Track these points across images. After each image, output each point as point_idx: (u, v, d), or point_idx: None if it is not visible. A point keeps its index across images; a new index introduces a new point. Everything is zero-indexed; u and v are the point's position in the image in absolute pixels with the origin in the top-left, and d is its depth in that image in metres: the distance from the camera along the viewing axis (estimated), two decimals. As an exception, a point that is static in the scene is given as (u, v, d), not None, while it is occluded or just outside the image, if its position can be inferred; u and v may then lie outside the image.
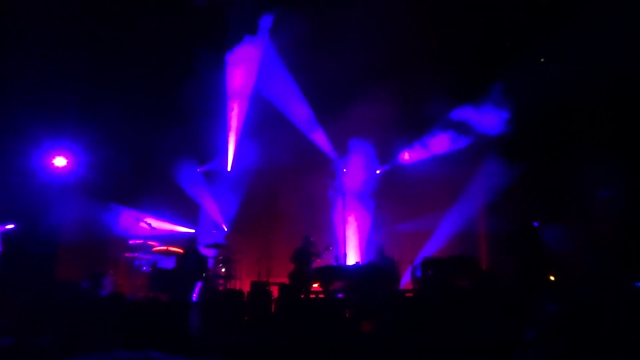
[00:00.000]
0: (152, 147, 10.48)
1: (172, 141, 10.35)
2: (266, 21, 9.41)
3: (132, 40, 8.88)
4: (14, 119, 8.70)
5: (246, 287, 9.52)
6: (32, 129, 8.92)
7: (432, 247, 9.81)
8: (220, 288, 9.33)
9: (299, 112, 10.55)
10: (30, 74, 8.56)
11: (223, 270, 9.43)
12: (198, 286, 9.05)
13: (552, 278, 8.14)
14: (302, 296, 8.92)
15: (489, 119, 10.06)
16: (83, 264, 9.60)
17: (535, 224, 7.90)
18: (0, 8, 8.02)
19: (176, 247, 9.60)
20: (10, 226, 7.69)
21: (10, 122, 8.62)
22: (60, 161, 9.47)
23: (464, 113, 10.26)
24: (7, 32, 8.26)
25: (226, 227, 10.52)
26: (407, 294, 8.84)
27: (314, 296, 8.83)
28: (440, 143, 10.75)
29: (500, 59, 9.60)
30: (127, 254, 9.56)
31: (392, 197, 10.88)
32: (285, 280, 9.35)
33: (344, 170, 10.84)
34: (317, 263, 9.60)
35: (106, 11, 8.32)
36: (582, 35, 7.93)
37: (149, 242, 9.56)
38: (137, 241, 9.57)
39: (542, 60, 9.53)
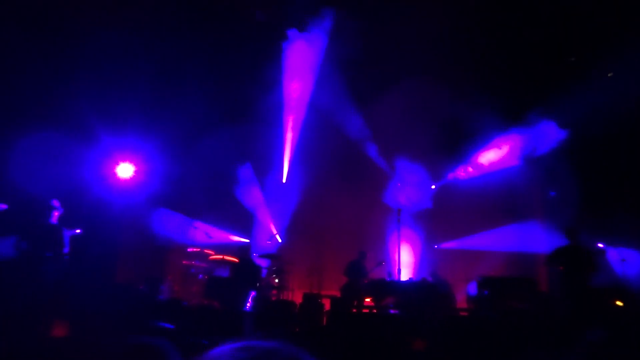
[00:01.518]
0: (211, 157, 10.76)
1: (231, 151, 10.61)
2: (323, 29, 9.46)
3: (195, 48, 9.17)
4: (80, 125, 9.13)
5: (298, 299, 9.58)
6: (97, 135, 9.35)
7: (488, 266, 9.53)
8: (273, 298, 9.43)
9: (354, 124, 10.56)
10: (97, 79, 8.96)
11: (276, 280, 9.53)
12: (251, 295, 9.19)
13: (619, 303, 7.74)
14: (354, 310, 8.89)
15: (549, 135, 9.73)
16: (142, 269, 9.94)
17: (600, 245, 7.56)
18: (69, 14, 8.44)
19: (231, 256, 9.80)
20: (77, 231, 8.07)
21: (76, 126, 9.04)
22: (125, 169, 9.87)
23: (524, 129, 9.98)
24: (76, 37, 8.68)
25: (280, 238, 10.64)
26: (462, 313, 8.64)
27: (366, 310, 8.77)
28: (497, 159, 10.49)
29: (564, 74, 9.29)
30: (184, 261, 9.84)
31: (447, 214, 10.69)
32: (336, 293, 9.34)
33: (399, 185, 10.75)
34: (370, 277, 9.56)
35: (171, 19, 8.63)
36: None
37: (206, 251, 9.80)
38: (195, 249, 9.83)
39: (609, 75, 9.14)
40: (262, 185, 11.06)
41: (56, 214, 7.73)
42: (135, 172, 9.87)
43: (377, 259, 9.91)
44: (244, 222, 10.98)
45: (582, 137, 9.17)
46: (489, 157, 10.65)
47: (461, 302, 9.50)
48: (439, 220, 10.80)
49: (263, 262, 9.93)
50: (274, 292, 9.56)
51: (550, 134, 9.69)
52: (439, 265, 10.00)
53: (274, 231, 10.75)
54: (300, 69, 9.29)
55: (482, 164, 10.73)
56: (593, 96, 8.25)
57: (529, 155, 10.04)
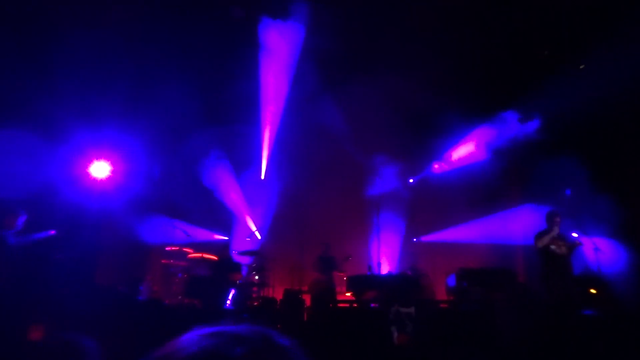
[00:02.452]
0: (187, 154, 10.66)
1: (208, 148, 10.54)
2: (300, 22, 9.38)
3: (172, 43, 9.04)
4: (57, 124, 8.94)
5: (279, 295, 9.58)
6: (70, 132, 9.16)
7: (467, 258, 9.66)
8: (254, 295, 9.40)
9: (332, 119, 10.54)
10: (71, 73, 8.78)
11: (256, 277, 9.50)
12: (231, 293, 9.15)
13: (592, 291, 7.94)
14: (331, 305, 8.93)
15: (523, 127, 9.88)
16: (120, 270, 9.82)
17: (575, 235, 7.70)
18: (45, 12, 8.25)
19: (210, 255, 9.73)
20: (51, 232, 7.89)
21: (53, 126, 8.85)
22: (100, 168, 9.71)
23: (498, 121, 10.10)
24: (49, 31, 8.49)
25: (260, 235, 10.61)
26: (442, 305, 8.74)
27: (347, 305, 8.82)
28: (473, 152, 10.61)
29: (537, 67, 9.42)
30: (163, 260, 9.74)
31: (425, 207, 10.80)
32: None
33: (378, 179, 10.81)
34: (350, 272, 9.61)
35: (148, 15, 8.49)
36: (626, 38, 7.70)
37: (185, 249, 9.71)
38: (173, 248, 9.74)
39: (581, 67, 9.30)
40: (240, 183, 11.00)
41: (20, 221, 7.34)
42: (112, 171, 9.72)
43: (345, 254, 9.97)
44: (223, 219, 10.91)
45: (555, 128, 9.31)
46: (461, 152, 10.78)
47: (442, 294, 9.62)
48: (418, 214, 10.91)
49: (243, 260, 9.89)
50: (254, 289, 9.54)
51: (518, 127, 9.84)
52: (419, 259, 10.09)
53: (254, 228, 10.71)
54: (277, 63, 9.21)
55: (455, 159, 10.84)
56: (566, 88, 8.39)
57: (499, 148, 10.16)
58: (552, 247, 7.32)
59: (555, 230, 7.31)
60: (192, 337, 0.76)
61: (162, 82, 8.96)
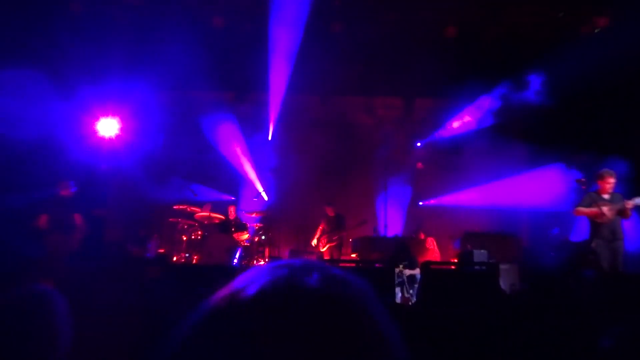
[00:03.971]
0: (194, 115, 10.63)
1: (215, 108, 10.50)
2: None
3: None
4: (63, 80, 8.88)
5: (284, 256, 9.73)
6: (81, 91, 9.12)
7: (474, 222, 9.72)
8: (260, 255, 9.54)
9: (338, 81, 10.36)
10: (75, 26, 8.67)
11: (263, 237, 9.61)
12: (238, 252, 9.28)
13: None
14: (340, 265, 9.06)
15: (533, 94, 9.74)
16: (128, 228, 9.94)
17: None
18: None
19: (217, 214, 9.81)
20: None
21: (59, 82, 8.79)
22: (109, 125, 9.73)
23: (508, 85, 9.94)
24: None
25: (266, 196, 10.68)
26: (446, 267, 8.83)
27: (353, 265, 8.93)
28: (480, 115, 10.51)
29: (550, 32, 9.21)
30: (170, 219, 9.84)
31: (433, 170, 10.82)
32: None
33: (385, 141, 10.79)
34: (356, 234, 9.73)
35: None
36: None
37: (191, 208, 9.79)
38: (181, 206, 9.82)
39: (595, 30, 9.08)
40: (248, 143, 10.99)
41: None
42: (120, 129, 9.74)
43: (361, 218, 10.06)
44: (230, 179, 10.95)
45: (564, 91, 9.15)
46: (463, 119, 10.67)
47: (447, 257, 9.74)
48: (425, 177, 10.93)
49: (249, 220, 9.99)
50: (261, 248, 9.66)
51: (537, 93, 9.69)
52: (426, 222, 10.19)
53: (261, 189, 10.76)
54: (287, 21, 8.99)
55: (458, 126, 10.76)
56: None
57: (499, 113, 10.05)
58: (604, 208, 6.98)
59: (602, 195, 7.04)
60: (262, 269, 0.78)
61: (167, 37, 8.83)
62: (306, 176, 10.58)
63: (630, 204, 6.94)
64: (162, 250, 9.88)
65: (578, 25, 8.71)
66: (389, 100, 11.22)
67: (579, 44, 8.45)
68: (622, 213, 7.02)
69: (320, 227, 9.93)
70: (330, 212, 9.93)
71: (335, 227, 9.81)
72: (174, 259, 9.34)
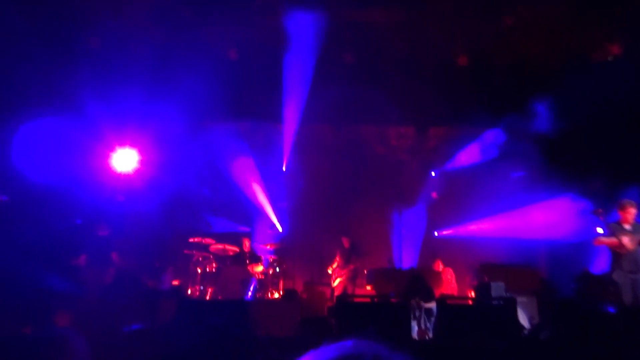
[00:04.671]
0: (209, 146, 10.74)
1: (230, 140, 10.60)
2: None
3: (196, 33, 9.07)
4: (81, 111, 9.09)
5: (299, 287, 9.65)
6: (97, 124, 9.32)
7: (491, 253, 9.55)
8: (274, 287, 9.48)
9: (352, 114, 10.43)
10: (97, 63, 8.91)
11: (277, 269, 9.57)
12: (253, 284, 9.24)
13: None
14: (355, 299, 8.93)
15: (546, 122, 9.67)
16: (144, 259, 9.96)
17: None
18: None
19: (232, 246, 9.82)
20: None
21: (77, 113, 9.00)
22: (128, 158, 9.89)
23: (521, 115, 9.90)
24: (76, 22, 8.61)
25: (281, 227, 10.66)
26: (463, 300, 8.67)
27: (368, 300, 8.82)
28: (493, 145, 10.44)
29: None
30: (185, 251, 9.86)
31: (448, 201, 10.71)
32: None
33: (400, 172, 10.77)
34: (371, 266, 9.63)
35: (175, 9, 8.53)
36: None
37: (207, 240, 9.81)
38: (196, 238, 9.84)
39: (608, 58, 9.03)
40: (262, 174, 11.03)
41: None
42: (138, 161, 9.88)
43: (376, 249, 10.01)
44: (245, 211, 10.97)
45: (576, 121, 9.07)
46: (477, 148, 10.61)
47: (463, 288, 9.56)
48: (440, 208, 10.82)
49: (264, 251, 9.96)
50: (275, 280, 9.61)
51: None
52: (441, 253, 10.05)
53: (275, 220, 10.76)
54: (301, 54, 9.12)
55: (472, 155, 10.68)
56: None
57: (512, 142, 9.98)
58: (624, 239, 6.86)
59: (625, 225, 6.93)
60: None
61: (185, 71, 9.02)
62: (320, 206, 10.58)
63: None
64: (176, 282, 9.88)
65: (590, 52, 8.68)
66: (402, 130, 11.23)
67: (592, 71, 8.42)
68: None
69: (336, 258, 9.85)
70: (346, 243, 9.86)
71: (348, 260, 9.73)
72: (189, 291, 9.32)
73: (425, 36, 8.48)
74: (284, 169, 11.12)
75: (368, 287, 9.28)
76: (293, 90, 9.79)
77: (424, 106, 9.75)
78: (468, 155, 10.70)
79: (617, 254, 6.96)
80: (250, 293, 9.02)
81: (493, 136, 10.31)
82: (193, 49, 9.19)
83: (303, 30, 8.34)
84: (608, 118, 8.56)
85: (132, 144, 10.03)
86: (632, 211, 6.93)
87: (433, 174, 11.08)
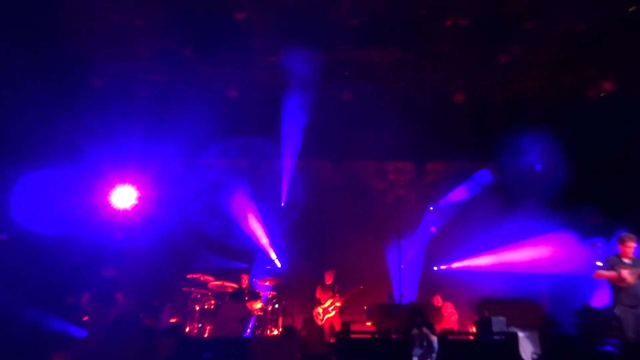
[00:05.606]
0: (208, 183, 10.81)
1: (228, 176, 10.68)
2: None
3: (193, 74, 9.25)
4: (81, 154, 9.19)
5: (298, 324, 9.55)
6: (96, 161, 9.41)
7: (491, 287, 9.53)
8: (273, 324, 9.39)
9: (355, 139, 10.49)
10: (94, 104, 9.06)
11: (276, 306, 9.49)
12: (251, 322, 9.15)
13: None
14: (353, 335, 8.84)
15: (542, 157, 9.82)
16: (141, 297, 9.88)
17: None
18: (68, 40, 8.51)
19: (231, 283, 9.76)
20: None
21: (77, 156, 9.11)
22: (126, 196, 9.94)
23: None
24: (75, 63, 8.79)
25: (280, 263, 10.63)
26: (464, 336, 8.59)
27: (369, 336, 8.73)
28: (491, 180, 10.56)
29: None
30: (183, 288, 9.79)
31: (447, 235, 10.73)
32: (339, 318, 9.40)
33: (399, 207, 10.84)
34: (371, 301, 9.56)
35: (173, 48, 8.73)
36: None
37: (205, 277, 9.76)
38: (194, 275, 9.79)
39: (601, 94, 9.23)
40: (261, 210, 11.06)
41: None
42: (137, 198, 9.93)
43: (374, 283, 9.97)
44: (243, 247, 10.94)
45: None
46: (474, 183, 10.72)
47: (464, 323, 9.49)
48: (439, 242, 10.83)
49: (263, 288, 9.90)
50: (274, 317, 9.53)
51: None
52: (441, 287, 10.02)
53: (274, 256, 10.73)
54: (299, 90, 9.29)
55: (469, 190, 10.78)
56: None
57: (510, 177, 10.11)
58: (624, 272, 6.84)
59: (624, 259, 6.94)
60: None
61: (184, 110, 9.18)
62: (319, 242, 10.58)
63: None
64: (174, 320, 9.77)
65: (584, 89, 8.85)
66: (401, 165, 11.35)
67: (587, 107, 8.60)
68: None
69: (318, 296, 9.80)
70: (329, 278, 9.85)
71: (332, 296, 9.72)
72: (187, 329, 9.22)
73: (421, 74, 8.69)
74: (282, 204, 11.16)
75: (368, 323, 9.19)
76: (292, 127, 9.93)
77: (422, 142, 9.89)
78: (465, 190, 10.79)
79: (617, 288, 6.95)
80: (249, 330, 8.92)
81: (483, 174, 10.46)
82: (193, 88, 9.37)
83: (302, 69, 8.51)
84: (605, 153, 8.71)
85: (132, 182, 10.09)
86: (631, 245, 6.96)
87: (431, 208, 11.13)
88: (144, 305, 9.49)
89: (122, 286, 8.69)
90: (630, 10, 6.54)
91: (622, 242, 7.03)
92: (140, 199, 10.16)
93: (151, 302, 9.65)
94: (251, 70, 9.00)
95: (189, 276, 9.78)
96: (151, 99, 9.47)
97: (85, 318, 8.29)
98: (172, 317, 9.78)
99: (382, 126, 9.56)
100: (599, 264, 7.27)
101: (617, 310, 6.91)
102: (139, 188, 10.14)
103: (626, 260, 6.98)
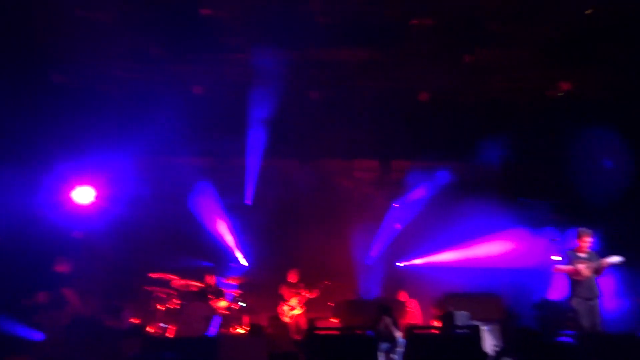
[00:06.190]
0: (172, 178, 10.63)
1: (193, 173, 10.53)
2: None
3: (160, 72, 9.06)
4: (40, 153, 8.89)
5: (264, 322, 9.52)
6: (57, 162, 9.11)
7: (454, 282, 9.76)
8: (239, 323, 9.33)
9: (321, 138, 10.51)
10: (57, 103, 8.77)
11: (243, 304, 9.43)
12: (216, 321, 9.06)
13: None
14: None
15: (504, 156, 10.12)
16: (102, 298, 9.64)
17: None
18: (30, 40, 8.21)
19: (196, 282, 9.64)
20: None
21: (36, 154, 8.80)
22: (85, 194, 9.66)
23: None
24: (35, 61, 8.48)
25: (246, 261, 10.57)
26: (428, 330, 8.77)
27: (334, 332, 8.79)
28: (454, 176, 10.79)
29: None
30: (146, 287, 9.61)
31: (411, 231, 10.92)
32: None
33: (365, 204, 10.95)
34: (337, 298, 9.66)
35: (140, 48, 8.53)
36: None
37: (168, 276, 9.60)
38: (157, 274, 9.62)
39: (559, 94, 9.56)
40: (226, 208, 10.96)
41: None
42: (96, 196, 9.66)
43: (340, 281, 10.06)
44: (208, 246, 10.81)
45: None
46: (438, 180, 10.93)
47: (428, 319, 9.68)
48: (403, 239, 11.01)
49: (229, 286, 9.82)
50: (240, 315, 9.47)
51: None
52: (406, 283, 10.19)
53: (239, 255, 10.66)
54: (266, 88, 9.24)
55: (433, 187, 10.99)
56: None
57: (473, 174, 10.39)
58: (580, 266, 7.17)
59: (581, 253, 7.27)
60: None
61: (149, 106, 9.00)
62: (285, 240, 10.57)
63: (605, 262, 7.15)
64: (136, 321, 9.57)
65: (546, 90, 9.16)
66: (366, 163, 11.47)
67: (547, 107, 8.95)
68: (598, 271, 7.21)
69: (283, 294, 9.84)
70: (293, 277, 9.88)
71: (296, 294, 9.80)
72: (151, 329, 9.05)
73: (389, 74, 8.79)
74: (248, 203, 11.09)
75: (335, 320, 9.27)
76: (258, 126, 9.88)
77: (388, 140, 10.04)
78: (428, 188, 11.01)
79: (574, 281, 7.27)
80: (215, 329, 8.83)
81: (447, 172, 10.70)
82: (158, 85, 9.18)
83: (269, 67, 8.48)
84: (563, 150, 9.07)
85: (91, 179, 9.82)
86: (587, 240, 7.29)
87: (396, 205, 11.29)
88: (104, 306, 9.25)
89: (74, 282, 8.33)
90: (586, 12, 6.82)
91: (578, 237, 7.35)
92: (100, 197, 9.91)
93: (112, 302, 9.41)
94: (218, 67, 8.88)
95: (151, 275, 9.60)
96: (115, 96, 9.24)
97: (41, 319, 7.98)
98: (135, 317, 9.56)
99: (348, 125, 9.66)
100: (556, 258, 7.59)
101: (573, 302, 7.23)
102: (99, 185, 9.88)
103: (582, 255, 7.31)
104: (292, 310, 9.66)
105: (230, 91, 9.38)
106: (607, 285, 7.87)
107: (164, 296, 9.40)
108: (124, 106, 9.28)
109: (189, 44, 8.01)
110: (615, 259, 7.16)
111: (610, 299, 8.02)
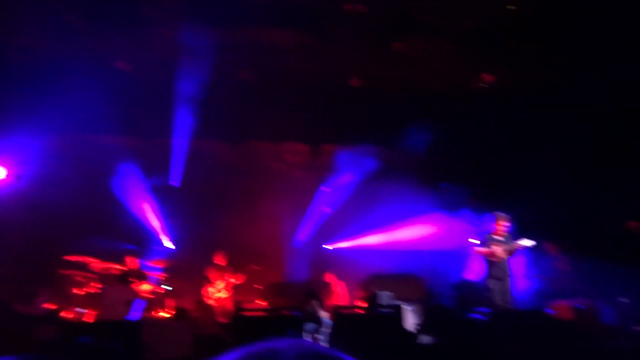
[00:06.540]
0: (94, 158, 10.12)
1: (117, 154, 10.08)
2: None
3: (83, 46, 8.50)
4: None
5: (190, 306, 9.38)
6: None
7: (379, 264, 10.08)
8: (164, 306, 9.13)
9: (251, 120, 10.36)
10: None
11: (168, 288, 9.23)
12: (140, 304, 8.82)
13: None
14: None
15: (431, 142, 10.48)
16: (16, 282, 9.09)
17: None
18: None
19: (117, 265, 9.30)
20: None
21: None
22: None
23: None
24: None
25: (172, 244, 10.32)
26: (353, 310, 9.03)
27: (262, 314, 8.83)
28: (380, 161, 11.06)
29: None
30: (62, 271, 9.15)
31: (338, 214, 11.12)
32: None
33: (294, 187, 10.99)
34: (265, 281, 9.70)
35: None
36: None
37: (88, 259, 9.20)
38: (75, 257, 9.18)
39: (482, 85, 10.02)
40: (151, 190, 10.60)
41: None
42: (7, 175, 9.02)
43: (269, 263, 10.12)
44: (131, 228, 10.43)
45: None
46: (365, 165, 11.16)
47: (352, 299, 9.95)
48: (330, 222, 11.19)
49: (153, 269, 9.57)
50: (164, 299, 9.28)
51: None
52: (332, 265, 10.39)
53: (165, 237, 10.39)
54: (193, 65, 8.93)
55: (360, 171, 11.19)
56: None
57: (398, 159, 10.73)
58: (495, 248, 7.62)
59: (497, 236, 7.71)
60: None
61: (71, 83, 8.44)
62: (213, 223, 10.41)
63: (518, 245, 7.68)
64: (53, 306, 9.11)
65: (467, 80, 9.56)
66: (296, 146, 11.50)
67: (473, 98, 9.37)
68: (510, 253, 7.74)
69: (208, 276, 9.73)
70: (219, 259, 9.81)
71: (222, 277, 9.72)
72: (69, 314, 8.66)
73: (320, 58, 8.81)
74: (175, 184, 10.79)
75: (262, 302, 9.30)
76: (186, 106, 9.57)
77: (317, 124, 10.10)
78: (356, 172, 11.23)
79: (490, 262, 7.75)
80: (137, 313, 8.59)
81: (374, 158, 10.95)
82: (80, 59, 8.60)
83: (198, 46, 8.20)
84: (484, 139, 9.57)
85: (2, 157, 9.16)
86: (504, 224, 7.79)
87: (325, 189, 11.44)
88: (15, 291, 8.73)
89: None
90: (508, 7, 7.18)
91: (496, 221, 7.84)
92: (11, 175, 9.26)
93: (24, 287, 8.90)
94: (144, 41, 8.47)
95: (67, 258, 9.15)
96: (27, 68, 8.58)
97: None
98: (50, 302, 9.09)
99: (278, 107, 9.61)
100: (474, 241, 8.06)
101: (489, 282, 7.72)
102: (10, 164, 9.23)
103: (499, 238, 7.80)
104: (218, 292, 9.57)
105: (156, 67, 8.96)
106: (518, 267, 8.45)
107: (83, 280, 9.02)
108: (38, 79, 8.63)
109: (111, 13, 7.55)
110: (527, 242, 7.70)
111: (520, 279, 8.62)
